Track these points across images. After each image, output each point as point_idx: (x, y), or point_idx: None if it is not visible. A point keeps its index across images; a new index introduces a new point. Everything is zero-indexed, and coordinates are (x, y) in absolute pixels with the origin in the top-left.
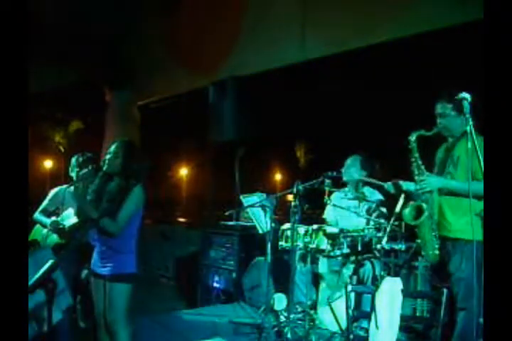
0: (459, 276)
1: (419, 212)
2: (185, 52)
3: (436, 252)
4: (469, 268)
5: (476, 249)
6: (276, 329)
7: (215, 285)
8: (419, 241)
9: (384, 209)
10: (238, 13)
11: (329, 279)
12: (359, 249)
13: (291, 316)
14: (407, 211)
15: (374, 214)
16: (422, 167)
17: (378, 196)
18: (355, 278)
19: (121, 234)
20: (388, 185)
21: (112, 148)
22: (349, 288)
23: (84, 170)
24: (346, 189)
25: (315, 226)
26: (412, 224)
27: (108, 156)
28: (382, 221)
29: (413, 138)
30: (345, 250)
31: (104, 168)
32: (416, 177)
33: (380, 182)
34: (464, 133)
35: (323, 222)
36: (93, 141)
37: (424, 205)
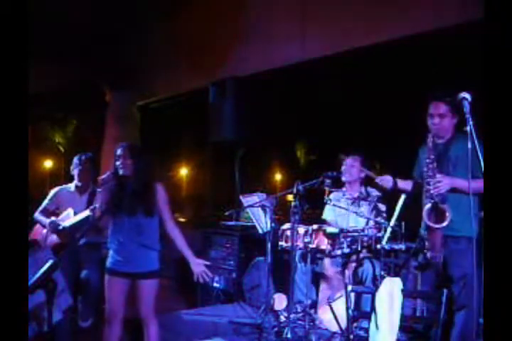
0: (463, 274)
1: (440, 215)
2: (185, 52)
3: (443, 253)
4: (473, 266)
5: (477, 247)
6: (276, 329)
7: (215, 285)
8: (428, 242)
9: (382, 207)
10: (238, 13)
11: (332, 280)
12: (359, 248)
13: (291, 316)
14: (427, 210)
15: (372, 214)
16: (436, 169)
17: (377, 194)
18: (355, 278)
19: (155, 231)
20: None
21: (119, 152)
22: (349, 288)
23: (104, 176)
24: (344, 189)
25: (315, 226)
26: (433, 227)
27: (119, 161)
28: (382, 221)
29: (430, 138)
30: (345, 250)
31: (121, 172)
32: (429, 179)
33: (374, 175)
34: (456, 133)
35: (323, 222)
36: (93, 141)
37: (448, 210)
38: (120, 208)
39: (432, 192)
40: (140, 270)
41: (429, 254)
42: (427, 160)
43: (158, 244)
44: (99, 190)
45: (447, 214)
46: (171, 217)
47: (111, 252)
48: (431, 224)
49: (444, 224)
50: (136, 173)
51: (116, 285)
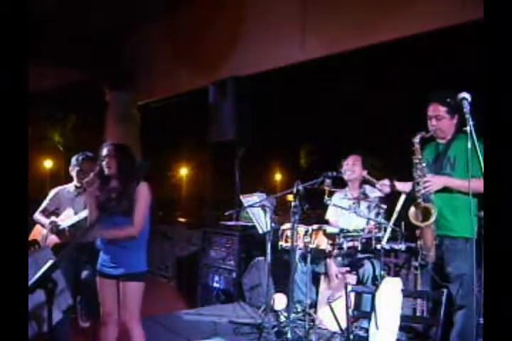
0: (459, 274)
1: (426, 213)
2: (185, 52)
3: (434, 252)
4: (469, 266)
5: (474, 247)
6: (276, 329)
7: (215, 285)
8: (420, 242)
9: (383, 206)
10: (238, 13)
11: (332, 280)
12: (359, 248)
13: (291, 316)
14: (412, 212)
15: (373, 212)
16: (425, 169)
17: (378, 194)
18: (355, 278)
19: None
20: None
21: (105, 152)
22: (349, 288)
23: (88, 179)
24: (346, 189)
25: (315, 226)
26: (418, 226)
27: (105, 161)
28: (383, 221)
29: (417, 139)
30: (345, 250)
31: (106, 172)
32: (419, 179)
33: (374, 181)
34: (456, 134)
35: (326, 222)
36: (93, 141)
37: (433, 207)
38: (104, 208)
39: (422, 191)
40: (122, 272)
41: (422, 253)
42: (416, 161)
43: (143, 245)
44: (85, 193)
45: (433, 211)
46: (141, 219)
47: (100, 253)
48: (417, 223)
49: (430, 221)
50: (120, 173)
51: (105, 286)
